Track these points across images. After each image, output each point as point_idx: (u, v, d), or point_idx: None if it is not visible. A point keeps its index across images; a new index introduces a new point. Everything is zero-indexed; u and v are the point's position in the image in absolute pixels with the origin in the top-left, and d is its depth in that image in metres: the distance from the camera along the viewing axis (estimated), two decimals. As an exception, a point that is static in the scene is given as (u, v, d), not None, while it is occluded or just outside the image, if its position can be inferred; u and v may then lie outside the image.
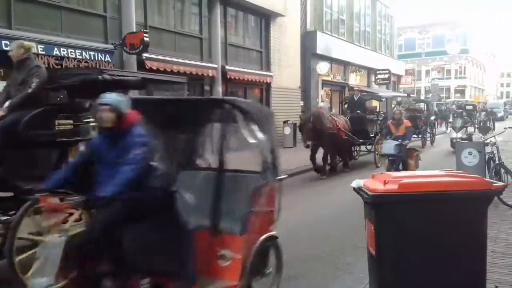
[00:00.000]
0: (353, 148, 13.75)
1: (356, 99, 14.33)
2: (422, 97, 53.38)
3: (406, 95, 24.32)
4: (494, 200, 6.51)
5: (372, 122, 14.44)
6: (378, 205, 3.17)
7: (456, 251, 3.13)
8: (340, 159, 12.85)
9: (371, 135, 14.00)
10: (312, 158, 11.41)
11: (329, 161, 11.94)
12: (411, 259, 3.14)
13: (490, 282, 4.03)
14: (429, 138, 20.32)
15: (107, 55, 11.73)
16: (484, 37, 75.22)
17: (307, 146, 11.02)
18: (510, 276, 4.35)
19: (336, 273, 4.88)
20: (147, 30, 12.53)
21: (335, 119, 12.14)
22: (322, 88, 23.35)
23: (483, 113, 27.50)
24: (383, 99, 16.39)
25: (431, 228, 3.12)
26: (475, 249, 3.18)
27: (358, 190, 3.40)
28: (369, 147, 14.28)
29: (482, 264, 3.22)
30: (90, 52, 11.30)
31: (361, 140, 13.50)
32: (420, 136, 19.06)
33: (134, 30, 12.35)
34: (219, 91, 16.14)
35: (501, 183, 3.47)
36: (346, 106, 14.86)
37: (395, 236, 3.13)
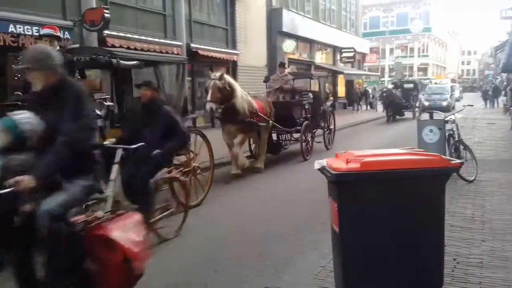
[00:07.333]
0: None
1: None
2: (387, 76, 54.21)
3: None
4: (453, 175, 6.75)
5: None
6: (340, 184, 3.20)
7: (416, 227, 3.22)
8: None
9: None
10: None
11: None
12: (373, 235, 3.21)
13: (449, 255, 4.18)
14: (319, 141, 12.15)
15: (66, 32, 11.29)
16: (446, 16, 76.81)
17: None
18: (467, 249, 4.52)
19: (302, 250, 4.92)
20: (108, 6, 12.13)
21: None
22: (288, 67, 23.28)
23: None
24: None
25: (391, 205, 3.19)
26: (434, 224, 3.27)
27: (321, 169, 3.42)
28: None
29: (441, 238, 3.33)
30: (48, 29, 10.84)
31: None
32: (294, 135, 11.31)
33: (94, 6, 11.92)
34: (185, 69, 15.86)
35: (458, 161, 3.56)
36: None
37: (357, 213, 3.19)
